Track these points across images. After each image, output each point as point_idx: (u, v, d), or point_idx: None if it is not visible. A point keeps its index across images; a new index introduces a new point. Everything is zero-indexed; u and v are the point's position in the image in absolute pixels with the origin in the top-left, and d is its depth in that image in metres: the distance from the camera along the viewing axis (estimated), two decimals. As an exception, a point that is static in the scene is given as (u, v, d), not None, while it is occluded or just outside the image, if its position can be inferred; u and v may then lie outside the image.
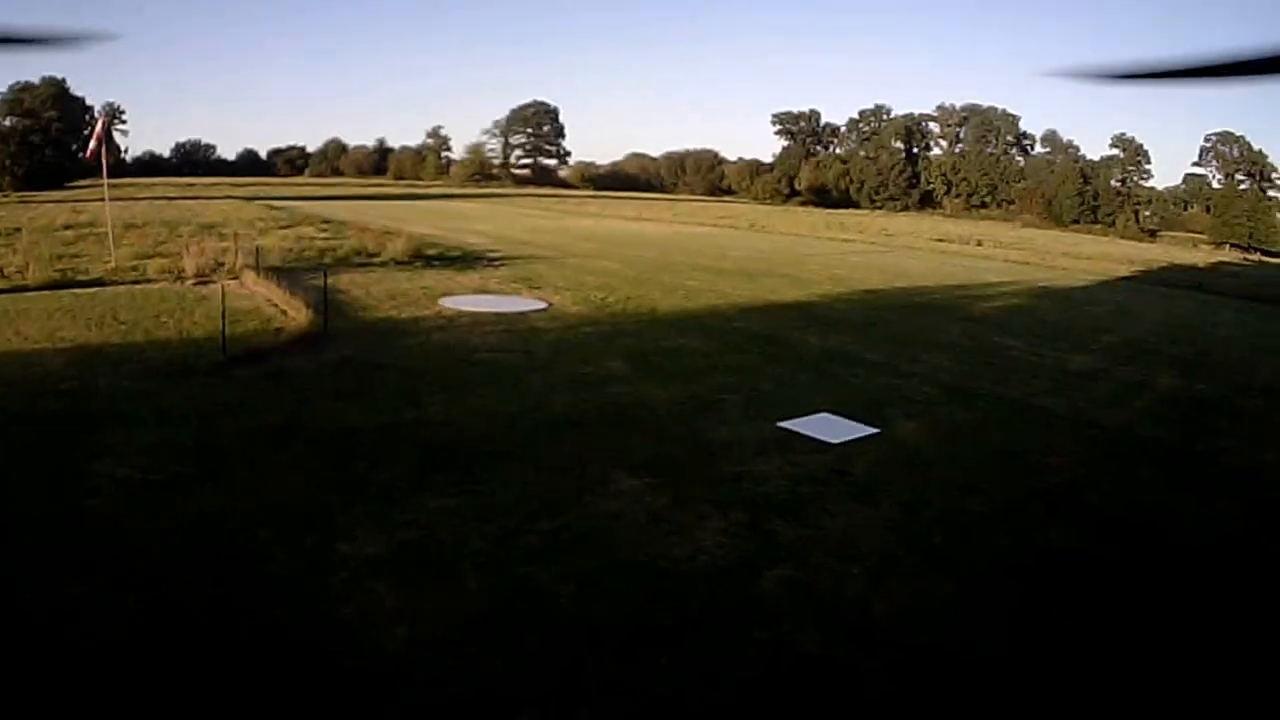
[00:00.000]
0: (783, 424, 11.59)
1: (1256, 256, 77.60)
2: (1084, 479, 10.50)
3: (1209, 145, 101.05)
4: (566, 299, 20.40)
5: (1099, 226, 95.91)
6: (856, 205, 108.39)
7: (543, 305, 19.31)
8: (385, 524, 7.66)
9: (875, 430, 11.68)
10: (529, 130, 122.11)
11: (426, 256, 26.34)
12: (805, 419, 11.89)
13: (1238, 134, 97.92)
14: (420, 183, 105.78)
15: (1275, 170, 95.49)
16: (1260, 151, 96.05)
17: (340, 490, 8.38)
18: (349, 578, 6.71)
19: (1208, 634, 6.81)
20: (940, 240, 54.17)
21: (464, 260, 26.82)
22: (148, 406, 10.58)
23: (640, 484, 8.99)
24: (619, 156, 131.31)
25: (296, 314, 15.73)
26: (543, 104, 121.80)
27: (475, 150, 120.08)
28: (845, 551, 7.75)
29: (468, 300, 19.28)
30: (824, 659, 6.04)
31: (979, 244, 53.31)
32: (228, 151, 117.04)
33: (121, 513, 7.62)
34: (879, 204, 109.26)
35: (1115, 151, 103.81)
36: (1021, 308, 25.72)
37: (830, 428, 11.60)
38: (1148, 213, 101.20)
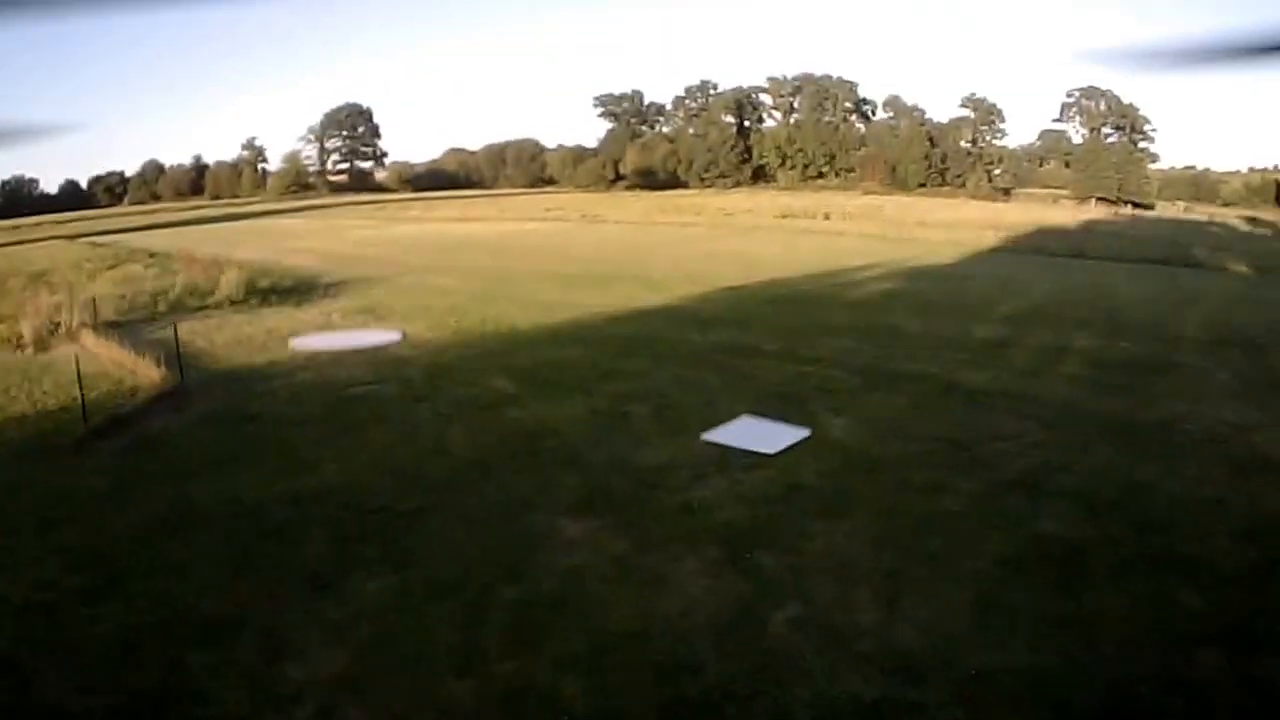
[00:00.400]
0: (708, 436, 11.63)
1: (1128, 210, 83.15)
2: (1047, 463, 10.88)
3: (1072, 100, 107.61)
4: (419, 326, 20.06)
5: (947, 189, 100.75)
6: (686, 185, 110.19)
7: (397, 336, 19.01)
8: (329, 625, 7.07)
9: (806, 432, 11.84)
10: (344, 133, 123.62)
11: (261, 291, 25.58)
12: (728, 427, 11.98)
13: (1104, 88, 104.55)
14: (238, 200, 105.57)
15: (1148, 122, 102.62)
16: (1131, 105, 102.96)
17: (261, 584, 7.78)
18: (316, 713, 6.04)
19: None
20: (785, 216, 55.95)
21: (299, 291, 26.28)
22: (21, 507, 9.65)
23: (588, 528, 8.78)
24: (437, 154, 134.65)
25: (148, 372, 14.89)
26: (356, 105, 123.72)
27: (292, 159, 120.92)
28: (843, 575, 7.78)
29: (318, 339, 18.93)
30: (883, 702, 6.01)
31: (826, 217, 55.05)
32: (50, 184, 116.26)
33: (19, 649, 6.84)
34: (709, 182, 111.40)
35: (966, 112, 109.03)
36: (901, 291, 26.59)
37: (759, 434, 11.66)
38: (999, 171, 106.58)
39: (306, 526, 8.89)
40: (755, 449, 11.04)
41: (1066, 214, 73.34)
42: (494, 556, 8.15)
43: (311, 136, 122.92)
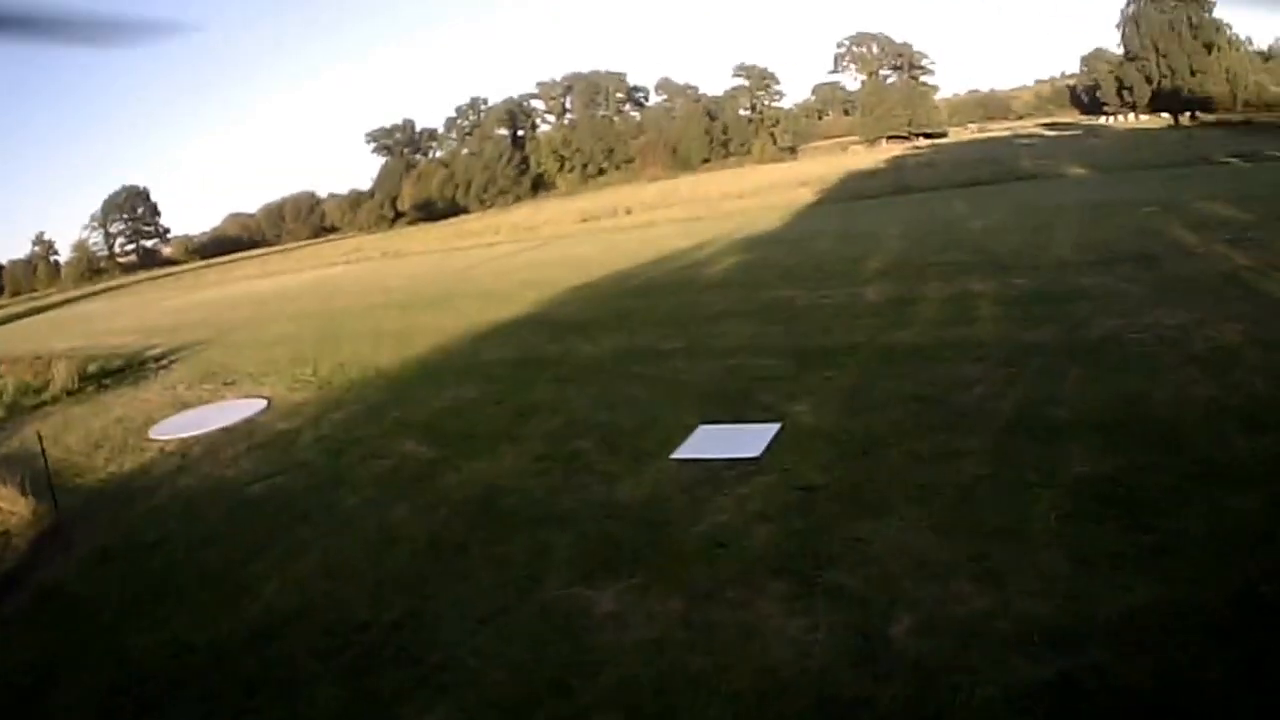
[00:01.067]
0: (677, 455, 10.48)
1: (923, 141, 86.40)
2: (1032, 399, 10.54)
3: (843, 50, 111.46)
4: (278, 387, 18.41)
5: (733, 159, 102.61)
6: (466, 210, 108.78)
7: (261, 404, 17.29)
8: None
9: (776, 426, 10.88)
10: (125, 216, 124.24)
11: (93, 376, 23.74)
12: (692, 441, 10.88)
13: (874, 32, 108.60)
14: (37, 294, 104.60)
15: (925, 56, 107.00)
16: (906, 44, 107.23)
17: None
18: None
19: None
20: (585, 220, 56.09)
21: (132, 369, 24.54)
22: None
23: (620, 594, 7.39)
24: (217, 221, 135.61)
25: (13, 506, 12.64)
26: (133, 187, 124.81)
27: (80, 247, 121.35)
28: (928, 572, 6.90)
29: (178, 423, 17.06)
30: (1072, 675, 5.41)
31: (628, 211, 55.37)
32: None
33: None
34: (489, 202, 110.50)
35: (740, 81, 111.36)
36: (752, 261, 26.50)
37: (729, 440, 10.65)
38: (779, 132, 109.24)
39: (292, 667, 7.13)
40: (736, 455, 10.06)
41: (866, 157, 75.66)
42: (534, 657, 6.67)
43: (95, 224, 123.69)
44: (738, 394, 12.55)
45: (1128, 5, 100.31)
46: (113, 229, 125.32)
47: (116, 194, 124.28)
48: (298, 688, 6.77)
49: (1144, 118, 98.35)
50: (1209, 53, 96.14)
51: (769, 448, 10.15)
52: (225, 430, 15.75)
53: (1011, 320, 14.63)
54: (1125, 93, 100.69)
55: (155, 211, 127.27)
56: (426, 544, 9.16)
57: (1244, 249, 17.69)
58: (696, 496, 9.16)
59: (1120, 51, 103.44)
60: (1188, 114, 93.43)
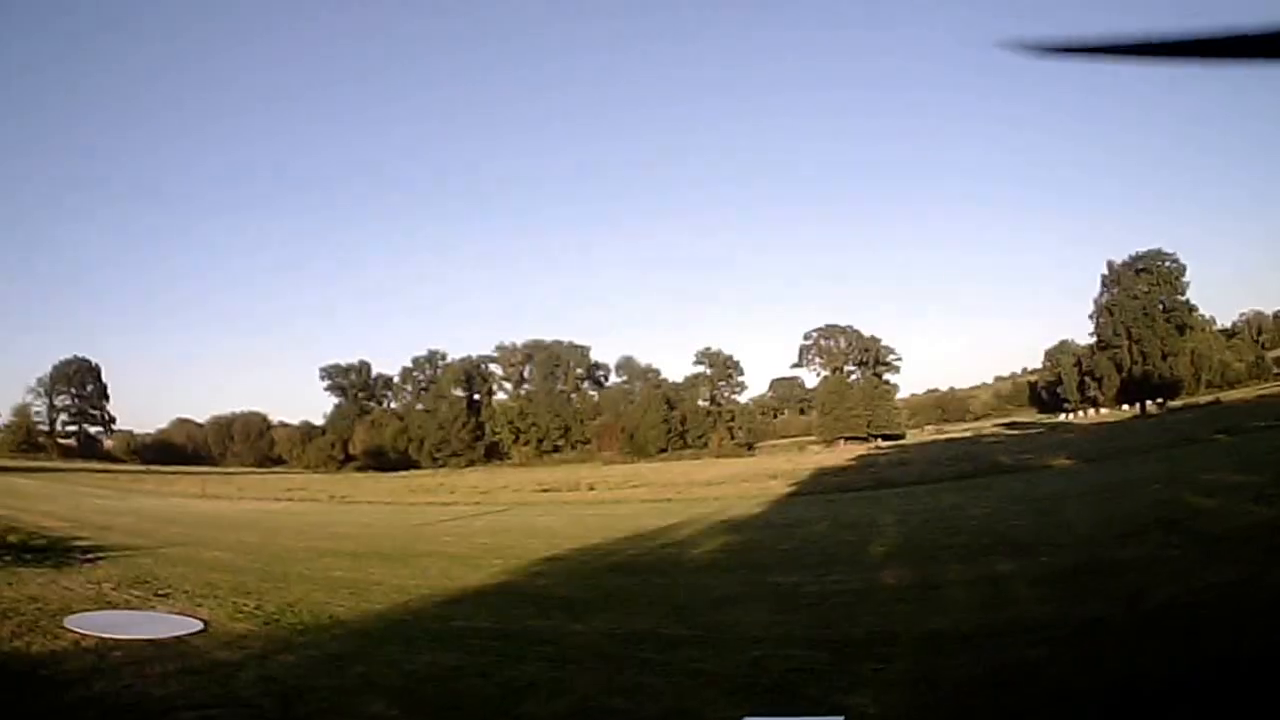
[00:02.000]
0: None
1: (881, 443, 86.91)
2: (1121, 676, 9.04)
3: (809, 343, 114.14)
4: (218, 612, 16.42)
5: (690, 451, 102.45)
6: (418, 465, 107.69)
7: (197, 625, 15.37)
8: None
9: (839, 718, 9.34)
10: (73, 390, 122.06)
11: (12, 546, 22.89)
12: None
13: (843, 325, 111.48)
14: None
15: (891, 352, 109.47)
16: (873, 338, 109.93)
17: None
18: None
19: None
20: (545, 490, 55.15)
21: (55, 552, 23.30)
22: None
23: None
24: (164, 423, 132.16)
25: None
26: (84, 360, 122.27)
27: (22, 413, 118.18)
28: None
29: (99, 620, 15.14)
30: None
31: (591, 487, 54.47)
32: None
33: None
34: (441, 461, 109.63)
35: (701, 368, 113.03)
36: (740, 544, 25.37)
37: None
38: (735, 427, 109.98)
39: None
40: (799, 755, 8.46)
41: (828, 456, 75.50)
42: None
43: (41, 390, 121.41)
44: (776, 687, 10.93)
45: (1101, 294, 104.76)
46: (57, 401, 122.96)
47: (67, 362, 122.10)
48: None
49: (1104, 411, 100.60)
50: (1181, 334, 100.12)
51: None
52: (153, 643, 13.91)
53: (1057, 599, 13.78)
54: (1092, 384, 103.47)
55: (104, 394, 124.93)
56: None
57: (1271, 504, 17.08)
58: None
59: (1089, 343, 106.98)
60: (1153, 402, 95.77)
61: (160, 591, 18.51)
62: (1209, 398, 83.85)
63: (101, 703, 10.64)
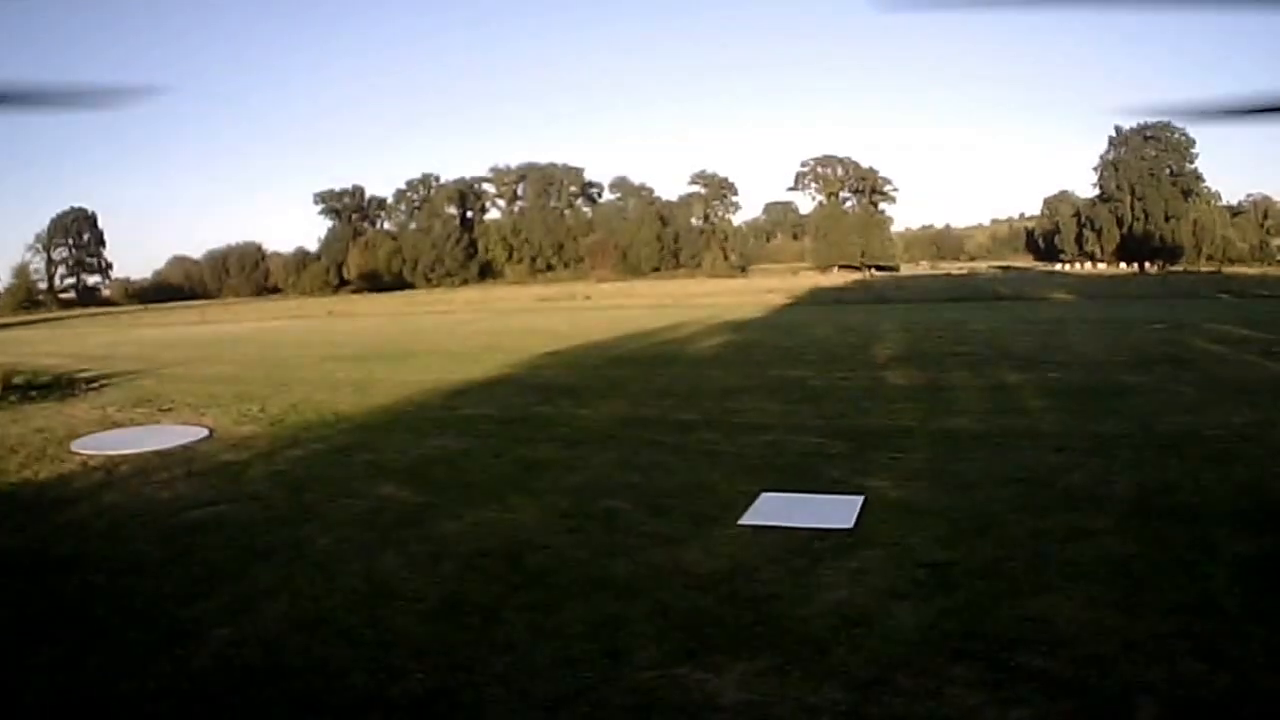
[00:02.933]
0: (744, 521, 8.46)
1: (873, 273, 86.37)
2: (1147, 486, 9.27)
3: (806, 169, 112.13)
4: (223, 419, 15.89)
5: (683, 270, 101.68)
6: (412, 286, 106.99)
7: (203, 432, 14.84)
8: None
9: (859, 497, 8.98)
10: (70, 242, 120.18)
11: (18, 387, 21.47)
12: (759, 508, 8.89)
13: (840, 155, 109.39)
14: None
15: (888, 183, 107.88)
16: (871, 169, 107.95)
17: None
18: None
19: None
20: (544, 300, 54.93)
21: (60, 386, 22.26)
22: None
23: (752, 677, 5.38)
24: (160, 263, 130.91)
25: None
26: (80, 209, 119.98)
27: (21, 272, 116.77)
28: (1162, 657, 5.28)
29: (106, 439, 14.67)
30: None
31: (587, 297, 54.29)
32: None
33: None
34: (436, 281, 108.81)
35: (696, 188, 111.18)
36: (742, 342, 25.14)
37: (806, 509, 8.74)
38: (728, 247, 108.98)
39: None
40: (823, 526, 8.08)
41: (821, 279, 74.98)
42: None
43: (39, 246, 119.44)
44: (793, 468, 10.64)
45: (1108, 150, 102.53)
46: (56, 254, 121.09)
47: (64, 215, 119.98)
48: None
49: (1102, 266, 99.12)
50: (1185, 200, 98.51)
51: (861, 517, 8.23)
52: (159, 453, 13.48)
53: (1070, 413, 13.31)
54: (1090, 236, 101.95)
55: (100, 241, 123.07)
56: (440, 603, 6.95)
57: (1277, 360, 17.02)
58: (793, 568, 7.22)
59: (1090, 195, 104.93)
60: (1152, 264, 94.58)
61: (164, 407, 18.07)
62: (1210, 269, 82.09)
63: (111, 512, 10.26)
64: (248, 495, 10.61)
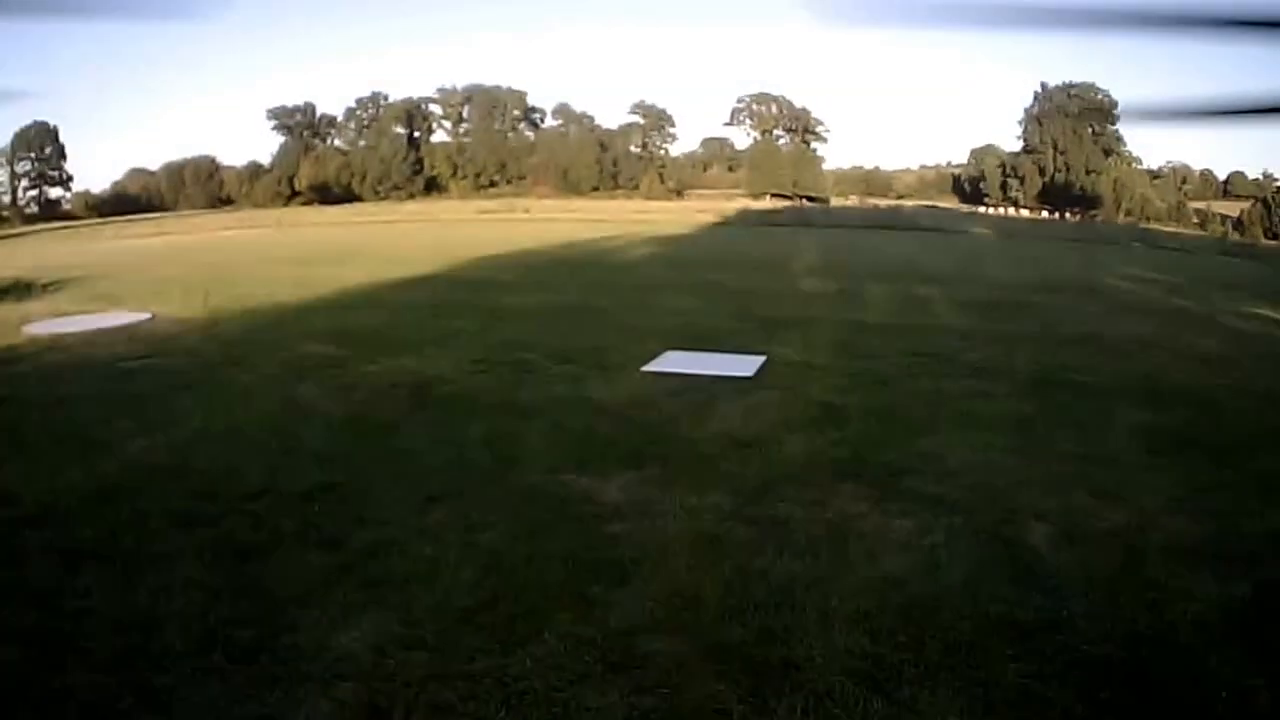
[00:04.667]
0: (648, 368, 8.61)
1: (804, 203, 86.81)
2: (1046, 366, 9.49)
3: (742, 106, 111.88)
4: (166, 307, 15.63)
5: (621, 192, 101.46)
6: (361, 199, 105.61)
7: (146, 315, 14.81)
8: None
9: (761, 356, 9.15)
10: (32, 155, 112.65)
11: None
12: (663, 360, 9.02)
13: (775, 94, 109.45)
14: None
15: (820, 123, 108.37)
16: (805, 109, 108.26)
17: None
18: None
19: None
20: (483, 213, 54.61)
21: (16, 290, 21.53)
22: None
23: (637, 484, 5.48)
24: (119, 174, 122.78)
25: None
26: (43, 124, 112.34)
27: None
28: (1057, 492, 5.42)
29: (57, 324, 14.73)
30: None
31: (526, 211, 54.14)
32: None
33: None
34: (383, 195, 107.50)
35: (635, 118, 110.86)
36: (668, 254, 25.16)
37: (708, 363, 8.87)
38: (665, 173, 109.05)
39: (144, 533, 4.86)
40: (725, 374, 8.28)
41: (755, 204, 75.31)
42: (516, 546, 4.59)
43: (3, 160, 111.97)
44: (702, 338, 10.68)
45: (1033, 105, 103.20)
46: (18, 168, 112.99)
47: (27, 128, 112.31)
48: (145, 562, 4.52)
49: (1025, 212, 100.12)
50: (1106, 157, 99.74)
51: (759, 372, 8.41)
52: (102, 330, 13.35)
53: (978, 316, 13.50)
54: (1013, 183, 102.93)
55: (62, 154, 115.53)
56: (346, 420, 7.03)
57: (1181, 297, 17.56)
58: (692, 402, 7.36)
59: (1014, 149, 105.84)
60: (1071, 212, 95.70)
61: (114, 301, 17.45)
62: (1127, 222, 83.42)
63: (51, 367, 10.10)
64: (182, 351, 10.54)
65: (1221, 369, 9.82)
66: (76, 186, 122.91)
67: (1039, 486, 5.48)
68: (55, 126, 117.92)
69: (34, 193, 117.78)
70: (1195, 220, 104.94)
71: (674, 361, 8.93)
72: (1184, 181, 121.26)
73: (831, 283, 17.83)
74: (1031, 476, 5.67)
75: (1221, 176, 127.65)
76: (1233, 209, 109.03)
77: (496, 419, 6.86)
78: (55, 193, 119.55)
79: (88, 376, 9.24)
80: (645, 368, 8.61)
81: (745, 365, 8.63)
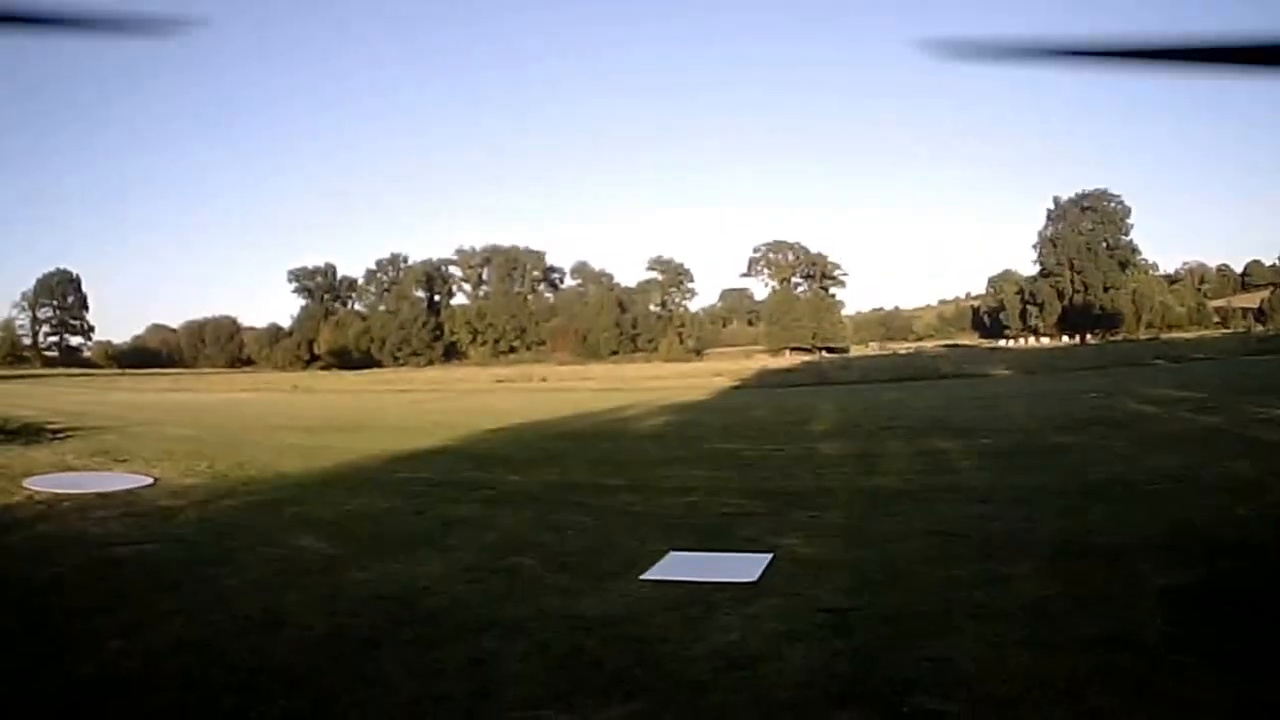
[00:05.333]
0: (647, 576, 8.18)
1: (824, 355, 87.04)
2: (1069, 529, 8.98)
3: (758, 255, 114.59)
4: (170, 471, 15.99)
5: (640, 354, 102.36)
6: (380, 364, 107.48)
7: (147, 480, 15.06)
8: None
9: (768, 554, 8.68)
10: (54, 303, 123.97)
11: None
12: (664, 564, 8.57)
13: (791, 241, 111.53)
14: None
15: (838, 267, 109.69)
16: (821, 254, 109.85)
17: None
18: None
19: None
20: (500, 381, 55.10)
21: (27, 433, 23.21)
22: None
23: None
24: (140, 330, 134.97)
25: None
26: (66, 272, 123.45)
27: (7, 327, 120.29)
28: (1072, 694, 4.91)
29: (57, 479, 15.17)
30: None
31: (544, 379, 54.47)
32: None
33: None
34: (402, 360, 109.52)
35: (654, 274, 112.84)
36: (685, 421, 25.14)
37: (711, 566, 8.40)
38: (685, 333, 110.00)
39: None
40: (726, 579, 7.85)
41: (774, 361, 75.67)
42: None
43: (25, 304, 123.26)
44: (709, 528, 10.27)
45: (1046, 227, 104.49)
46: (40, 314, 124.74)
47: (50, 275, 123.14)
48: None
49: (1045, 340, 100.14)
50: (1123, 270, 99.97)
51: (765, 574, 7.97)
52: (102, 495, 13.63)
53: (999, 470, 13.21)
54: (1032, 311, 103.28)
55: (84, 305, 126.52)
56: (324, 635, 6.68)
57: (1209, 414, 17.30)
58: (688, 615, 6.89)
59: (1031, 272, 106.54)
60: (1092, 334, 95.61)
61: (120, 458, 18.18)
62: (1149, 335, 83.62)
63: (42, 540, 10.36)
64: (174, 538, 10.39)
65: (1257, 498, 9.65)
66: (98, 336, 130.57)
67: (1053, 688, 5.07)
68: (78, 276, 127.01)
69: (55, 338, 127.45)
70: (1217, 319, 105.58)
71: (675, 566, 8.50)
72: (1202, 281, 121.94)
73: (848, 445, 17.58)
74: (1047, 673, 5.27)
75: (1239, 268, 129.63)
76: (1253, 300, 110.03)
77: (480, 640, 6.46)
78: (76, 340, 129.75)
79: (76, 557, 9.26)
80: (644, 575, 8.19)
81: (750, 567, 8.17)
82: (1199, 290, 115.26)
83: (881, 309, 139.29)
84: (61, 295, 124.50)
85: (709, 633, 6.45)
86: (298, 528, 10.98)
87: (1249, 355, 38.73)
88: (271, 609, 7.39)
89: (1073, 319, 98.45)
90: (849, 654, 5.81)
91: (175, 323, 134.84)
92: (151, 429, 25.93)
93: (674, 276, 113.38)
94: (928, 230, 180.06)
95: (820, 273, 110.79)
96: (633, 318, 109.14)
